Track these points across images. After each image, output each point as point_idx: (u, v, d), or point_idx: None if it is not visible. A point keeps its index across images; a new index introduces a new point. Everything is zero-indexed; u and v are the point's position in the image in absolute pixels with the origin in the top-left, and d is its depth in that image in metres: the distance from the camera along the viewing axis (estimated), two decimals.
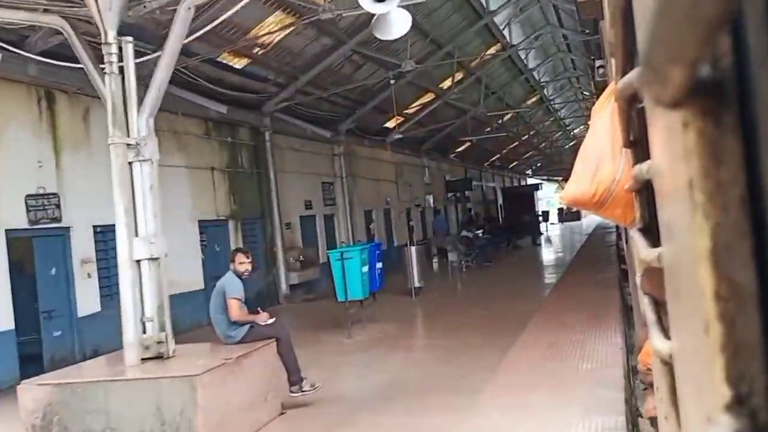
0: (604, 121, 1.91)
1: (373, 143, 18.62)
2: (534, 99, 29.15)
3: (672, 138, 0.58)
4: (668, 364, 1.00)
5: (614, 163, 1.96)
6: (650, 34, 0.48)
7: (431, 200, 25.37)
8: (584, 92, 35.74)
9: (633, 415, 4.07)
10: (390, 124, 18.56)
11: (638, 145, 1.33)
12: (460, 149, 29.51)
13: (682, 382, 0.72)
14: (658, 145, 0.80)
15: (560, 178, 49.35)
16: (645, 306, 1.15)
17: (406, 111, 18.56)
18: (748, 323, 0.45)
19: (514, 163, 43.32)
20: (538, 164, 50.35)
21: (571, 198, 2.01)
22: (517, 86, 25.24)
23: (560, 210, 46.16)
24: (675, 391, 1.00)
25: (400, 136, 18.28)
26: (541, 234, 30.58)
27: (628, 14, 0.86)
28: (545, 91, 29.14)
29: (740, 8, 0.43)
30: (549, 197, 55.30)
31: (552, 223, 42.25)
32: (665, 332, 0.94)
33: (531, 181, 55.01)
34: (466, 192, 28.72)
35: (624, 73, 0.99)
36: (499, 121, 27.50)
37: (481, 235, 21.69)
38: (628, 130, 1.15)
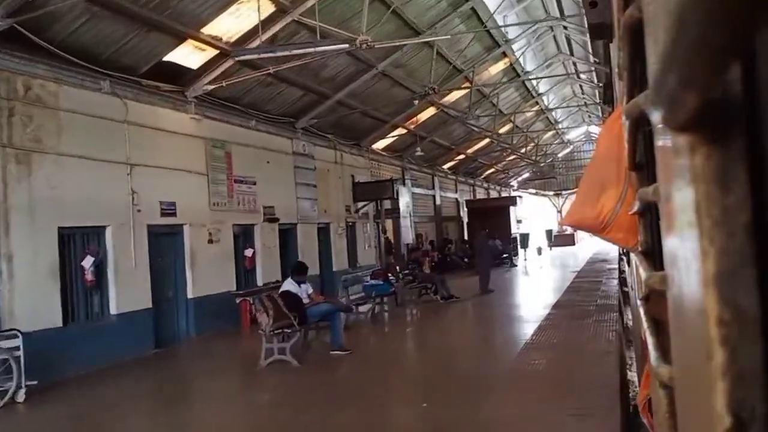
0: (610, 143, 1.90)
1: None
2: (533, 109, 27.21)
3: (679, 162, 0.58)
4: (668, 388, 0.99)
5: (619, 186, 1.96)
6: (661, 57, 0.48)
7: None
8: (590, 115, 35.00)
9: None
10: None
11: (644, 168, 1.33)
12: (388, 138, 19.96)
13: (683, 406, 0.72)
14: (664, 169, 0.80)
15: (551, 193, 45.32)
16: (646, 330, 1.14)
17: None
18: (750, 350, 0.45)
19: (489, 171, 34.89)
20: (525, 175, 42.55)
21: (574, 220, 2.01)
22: (514, 92, 23.43)
23: (548, 232, 40.15)
24: (674, 415, 0.99)
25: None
26: (512, 264, 25.59)
27: (638, 37, 0.86)
28: (544, 99, 27.08)
29: (752, 37, 0.43)
30: (535, 214, 45.95)
31: (540, 248, 35.55)
32: (666, 356, 0.94)
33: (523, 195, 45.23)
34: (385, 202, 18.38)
35: (632, 95, 0.99)
36: (492, 133, 23.70)
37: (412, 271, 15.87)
38: (634, 153, 1.15)
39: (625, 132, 1.14)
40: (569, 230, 40.79)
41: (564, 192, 44.97)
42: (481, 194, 33.93)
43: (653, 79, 0.54)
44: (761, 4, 0.35)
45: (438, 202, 26.52)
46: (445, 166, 27.56)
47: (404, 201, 21.14)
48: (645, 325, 1.13)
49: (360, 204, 18.08)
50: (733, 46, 0.37)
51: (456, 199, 29.46)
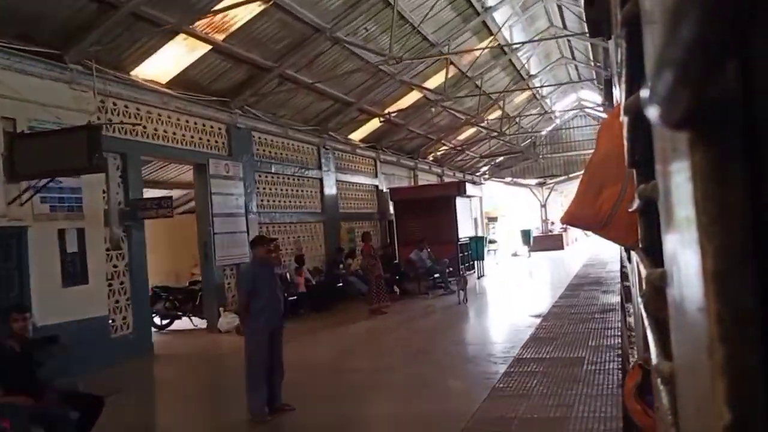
0: (610, 141, 1.91)
1: None
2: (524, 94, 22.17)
3: (677, 159, 0.58)
4: (669, 384, 0.99)
5: (618, 184, 1.96)
6: (658, 55, 0.47)
7: None
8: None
9: None
10: None
11: (643, 166, 1.32)
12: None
13: (684, 401, 0.71)
14: (663, 166, 0.79)
15: (533, 182, 34.83)
16: (647, 326, 1.13)
17: None
18: (750, 347, 0.44)
19: (441, 149, 25.60)
20: (498, 161, 32.75)
21: (573, 218, 2.01)
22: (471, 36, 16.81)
23: (525, 233, 30.54)
24: (676, 412, 0.99)
25: None
26: (460, 283, 14.07)
27: (637, 33, 0.86)
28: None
29: (749, 34, 0.42)
30: (512, 209, 35.83)
31: (514, 254, 29.16)
32: (667, 352, 0.94)
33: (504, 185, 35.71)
34: None
35: (630, 92, 0.99)
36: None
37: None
38: (633, 151, 1.15)
39: (625, 129, 1.14)
40: (557, 230, 33.67)
41: (549, 180, 34.73)
42: (431, 182, 24.35)
43: (650, 77, 0.53)
44: (758, 2, 0.34)
45: (331, 190, 16.97)
46: (354, 135, 18.52)
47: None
48: (645, 321, 1.13)
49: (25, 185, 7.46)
50: (730, 43, 0.37)
51: (375, 187, 20.31)
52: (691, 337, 0.58)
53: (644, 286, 1.28)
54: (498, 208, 39.06)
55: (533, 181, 35.45)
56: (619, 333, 7.78)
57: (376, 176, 20.76)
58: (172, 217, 11.09)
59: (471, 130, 25.36)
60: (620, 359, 6.67)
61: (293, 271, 13.81)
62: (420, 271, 16.11)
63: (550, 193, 35.86)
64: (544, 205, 36.30)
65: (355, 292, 14.62)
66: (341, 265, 15.70)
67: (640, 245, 1.38)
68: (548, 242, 31.84)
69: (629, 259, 3.58)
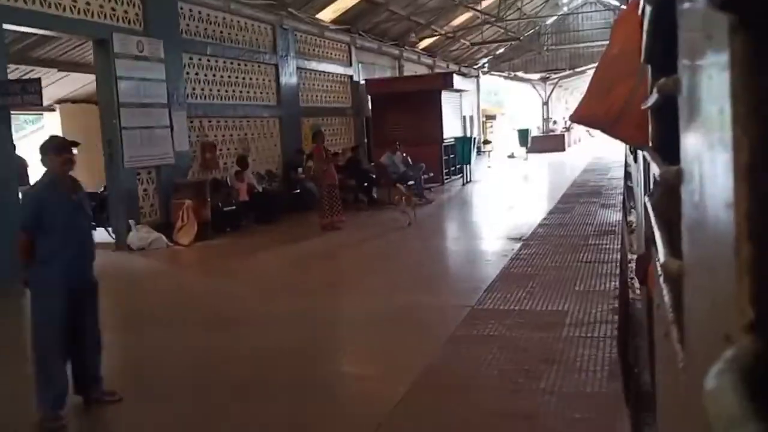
0: (625, 37, 1.85)
1: None
2: None
3: (711, 48, 0.55)
4: (674, 282, 1.01)
5: (630, 81, 1.93)
6: None
7: None
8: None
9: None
10: None
11: (661, 60, 1.28)
12: None
13: (695, 300, 0.73)
14: (690, 58, 0.77)
15: (536, 77, 32.41)
16: (654, 225, 1.14)
17: None
18: None
19: (431, 39, 23.42)
20: (500, 52, 31.05)
21: (583, 116, 2.00)
22: None
23: (522, 133, 28.61)
24: (679, 309, 1.01)
25: None
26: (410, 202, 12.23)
27: None
28: None
29: None
30: (504, 105, 35.15)
31: (510, 156, 27.79)
32: (675, 251, 0.95)
33: (499, 79, 33.46)
34: None
35: None
36: None
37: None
38: (653, 44, 1.11)
39: (645, 21, 1.09)
40: (559, 130, 32.98)
41: (554, 75, 32.38)
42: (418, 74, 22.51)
43: None
44: None
45: (290, 79, 15.09)
46: (323, 15, 16.73)
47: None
48: (653, 220, 1.14)
49: None
50: None
51: (350, 78, 18.48)
52: (712, 235, 0.58)
53: (652, 185, 1.28)
54: (502, 105, 37.87)
55: (536, 76, 32.84)
56: (618, 271, 5.98)
57: (350, 65, 18.61)
58: (41, 105, 9.61)
59: (466, 15, 23.28)
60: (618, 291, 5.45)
61: (233, 175, 12.53)
62: (392, 177, 14.48)
63: (553, 89, 33.79)
64: (546, 103, 33.96)
65: (315, 201, 13.23)
66: (300, 169, 14.39)
67: (651, 143, 1.37)
68: (548, 143, 30.08)
69: (635, 159, 3.58)
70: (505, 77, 33.25)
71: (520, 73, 32.69)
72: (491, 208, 13.79)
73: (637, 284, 2.30)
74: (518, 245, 8.64)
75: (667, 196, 1.04)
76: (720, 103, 0.55)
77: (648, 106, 1.32)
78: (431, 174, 16.28)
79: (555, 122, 35.94)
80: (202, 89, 12.59)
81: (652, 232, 1.40)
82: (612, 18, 27.78)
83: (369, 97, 18.20)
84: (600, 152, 23.73)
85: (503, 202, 14.04)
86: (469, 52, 28.83)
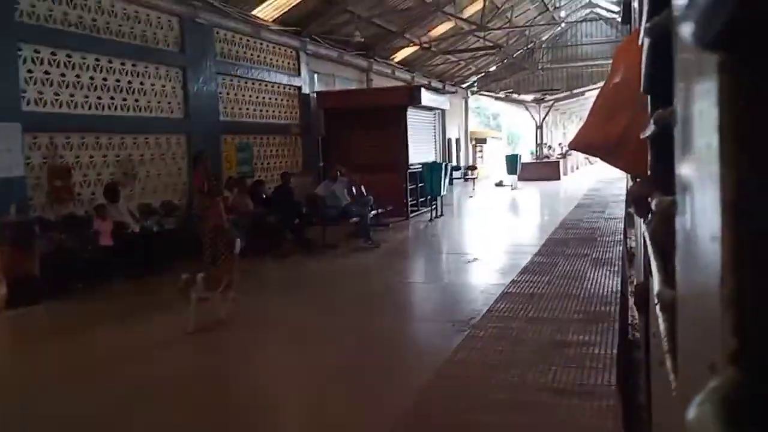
0: (625, 67, 1.89)
1: None
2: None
3: (704, 82, 0.57)
4: (669, 311, 1.02)
5: (630, 110, 1.96)
6: None
7: None
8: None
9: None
10: None
11: (660, 92, 1.31)
12: None
13: (685, 329, 0.74)
14: (684, 90, 0.79)
15: (530, 98, 30.76)
16: (651, 255, 1.16)
17: None
18: (762, 279, 0.45)
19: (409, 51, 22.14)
20: (487, 72, 30.62)
21: (584, 142, 2.02)
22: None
23: (511, 160, 26.26)
24: (673, 338, 1.02)
25: None
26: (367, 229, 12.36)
27: None
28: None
29: None
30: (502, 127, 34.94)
31: (498, 184, 26.16)
32: (670, 280, 0.96)
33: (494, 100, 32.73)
34: None
35: (654, 12, 0.96)
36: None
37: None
38: (652, 75, 1.13)
39: (644, 52, 1.12)
40: (554, 156, 32.06)
41: (549, 96, 30.80)
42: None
43: None
44: None
45: (207, 87, 12.84)
46: (263, 13, 14.79)
47: None
48: (650, 250, 1.15)
49: None
50: None
51: (298, 89, 16.32)
52: (700, 266, 0.60)
53: (650, 215, 1.29)
54: (500, 128, 37.57)
55: (529, 97, 31.20)
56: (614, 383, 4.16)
57: (298, 74, 16.42)
58: None
59: (446, 25, 21.51)
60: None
61: (93, 212, 9.98)
62: (329, 212, 12.17)
63: (548, 112, 32.25)
64: (540, 126, 32.22)
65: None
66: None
67: (649, 173, 1.39)
68: (542, 170, 28.16)
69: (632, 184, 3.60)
70: (496, 98, 32.15)
71: (512, 94, 31.42)
72: (448, 261, 11.30)
73: (635, 313, 2.32)
74: (459, 339, 5.52)
75: (663, 225, 1.06)
76: (708, 138, 0.57)
77: (646, 136, 1.34)
78: (389, 208, 14.34)
79: (550, 147, 34.82)
80: (56, 94, 9.82)
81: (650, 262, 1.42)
82: (614, 34, 27.26)
83: (323, 112, 16.16)
84: (598, 183, 22.75)
85: (467, 250, 12.08)
86: (456, 68, 27.06)
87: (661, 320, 1.25)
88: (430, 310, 7.61)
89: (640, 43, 1.53)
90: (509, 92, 30.92)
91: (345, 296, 8.11)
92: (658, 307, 1.34)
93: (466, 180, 26.46)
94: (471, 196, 22.08)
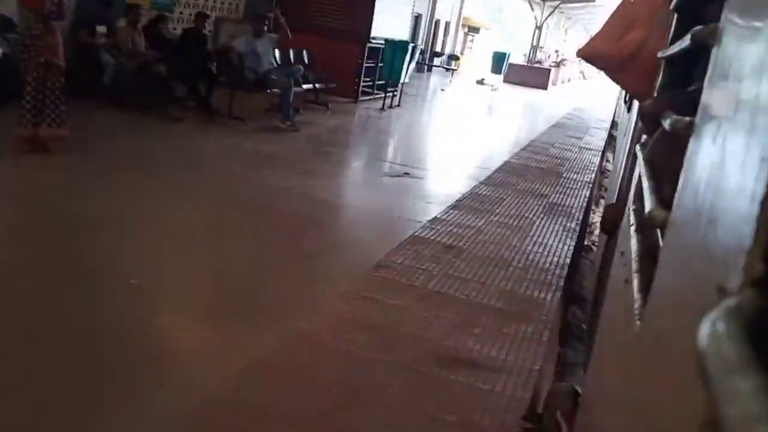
0: None
1: None
2: None
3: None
4: (649, 232, 1.02)
5: (646, 28, 1.88)
6: None
7: None
8: None
9: None
10: None
11: (692, 9, 1.25)
12: None
13: (680, 251, 0.73)
14: (738, 5, 0.74)
15: None
16: (642, 173, 1.15)
17: None
18: None
19: None
20: None
21: (593, 52, 1.96)
22: None
23: (498, 58, 24.07)
24: (646, 259, 1.03)
25: None
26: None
27: None
28: None
29: None
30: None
31: (480, 82, 23.18)
32: (662, 200, 0.95)
33: None
34: None
35: None
36: None
37: None
38: None
39: None
40: (547, 63, 29.52)
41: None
42: None
43: None
44: None
45: None
46: None
47: None
48: (642, 168, 1.14)
49: None
50: None
51: None
52: (723, 190, 0.58)
53: (645, 136, 1.27)
54: (500, 22, 33.85)
55: None
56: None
57: None
58: None
59: None
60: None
61: None
62: (246, 75, 9.48)
63: (552, 12, 28.85)
64: (539, 27, 29.00)
65: (109, 77, 8.68)
66: (103, 28, 9.38)
67: (655, 94, 1.35)
68: (530, 76, 25.18)
69: (629, 109, 3.58)
70: None
71: None
72: (370, 170, 8.57)
73: (597, 231, 2.37)
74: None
75: (667, 147, 1.04)
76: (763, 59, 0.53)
77: (667, 55, 1.29)
78: (333, 85, 11.70)
79: (544, 51, 32.32)
80: None
81: (632, 184, 1.41)
82: None
83: None
84: (585, 102, 20.44)
85: (403, 159, 9.39)
86: None
87: (634, 241, 1.26)
88: (296, 247, 5.12)
89: None
90: None
91: (206, 195, 5.89)
92: (632, 228, 1.35)
93: (447, 71, 23.59)
94: (443, 90, 19.50)
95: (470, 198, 6.14)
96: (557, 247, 4.90)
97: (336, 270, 4.61)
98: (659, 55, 1.50)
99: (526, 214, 5.86)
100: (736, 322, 0.41)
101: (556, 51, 34.84)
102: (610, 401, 1.26)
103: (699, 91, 0.95)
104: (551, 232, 5.32)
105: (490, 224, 5.28)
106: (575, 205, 6.40)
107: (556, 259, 4.58)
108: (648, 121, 1.41)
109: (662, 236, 1.06)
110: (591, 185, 7.11)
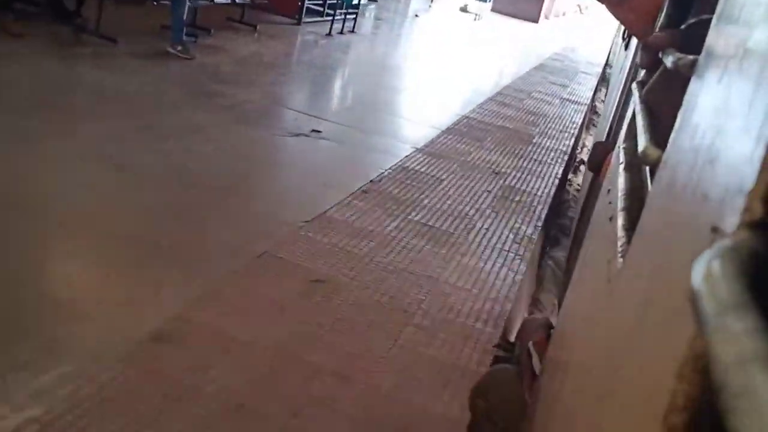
0: None
1: None
2: None
3: None
4: (637, 171, 1.01)
5: None
6: None
7: None
8: None
9: None
10: None
11: None
12: None
13: (673, 192, 0.73)
14: None
15: None
16: (638, 112, 1.13)
17: None
18: None
19: None
20: None
21: None
22: None
23: None
24: (633, 197, 1.03)
25: None
26: None
27: None
28: None
29: None
30: None
31: (463, 9, 20.31)
32: (657, 140, 0.95)
33: None
34: None
35: None
36: None
37: None
38: None
39: None
40: None
41: None
42: None
43: None
44: None
45: None
46: None
47: None
48: (637, 106, 1.13)
49: None
50: None
51: None
52: (724, 131, 0.56)
53: (641, 74, 1.25)
54: None
55: None
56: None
57: None
58: None
59: None
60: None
61: None
62: None
63: None
64: None
65: None
66: None
67: (657, 30, 1.32)
68: (519, 5, 22.22)
69: (626, 46, 3.51)
70: None
71: None
72: (272, 127, 5.69)
73: (582, 168, 2.36)
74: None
75: (666, 86, 1.01)
76: None
77: None
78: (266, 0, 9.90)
79: None
80: None
81: (623, 122, 1.39)
82: None
83: None
84: (578, 41, 18.59)
85: (328, 111, 6.69)
86: None
87: (623, 178, 1.26)
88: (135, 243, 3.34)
89: None
90: None
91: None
92: (622, 166, 1.35)
93: None
94: (417, 15, 16.77)
95: (392, 177, 4.62)
96: (497, 285, 3.36)
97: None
98: None
99: (466, 209, 4.36)
100: (732, 262, 0.41)
101: None
102: (585, 336, 1.29)
103: (700, 27, 0.92)
104: (495, 249, 3.81)
105: (403, 230, 3.83)
106: (540, 193, 4.79)
107: (494, 307, 3.14)
108: (649, 55, 1.38)
109: (652, 176, 1.06)
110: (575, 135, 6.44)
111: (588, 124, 8.34)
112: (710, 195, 0.60)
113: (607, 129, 2.63)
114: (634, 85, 1.36)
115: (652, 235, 0.82)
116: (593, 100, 8.42)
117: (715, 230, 0.53)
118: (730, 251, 0.44)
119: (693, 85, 0.85)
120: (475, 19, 19.16)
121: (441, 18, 17.78)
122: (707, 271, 0.43)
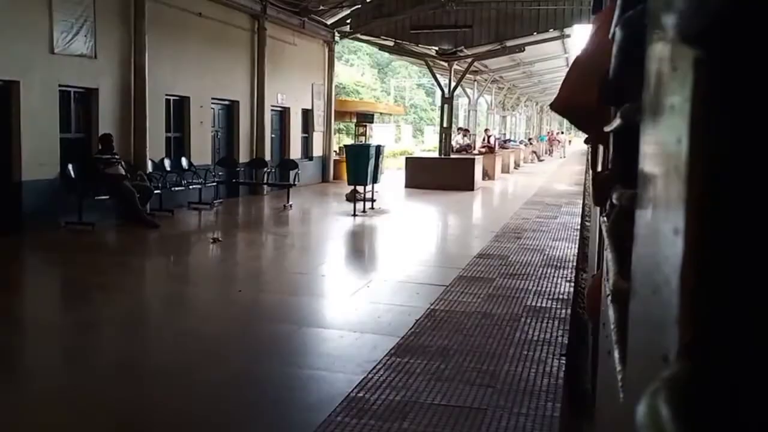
0: (604, 31, 1.88)
1: None
2: None
3: (677, 78, 0.58)
4: (620, 303, 1.04)
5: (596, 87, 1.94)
6: None
7: None
8: None
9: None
10: None
11: (626, 85, 1.33)
12: None
13: (638, 321, 0.76)
14: (655, 84, 0.79)
15: (434, 50, 19.12)
16: (607, 246, 1.18)
17: None
18: (722, 273, 0.46)
19: None
20: None
21: (567, 103, 1.96)
22: None
23: (358, 155, 13.07)
24: (622, 330, 1.05)
25: None
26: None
27: None
28: None
29: None
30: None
31: (355, 198, 12.44)
32: (624, 272, 0.98)
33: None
34: None
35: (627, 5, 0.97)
36: None
37: None
38: (620, 69, 1.15)
39: (615, 45, 1.12)
40: (476, 148, 21.78)
41: (469, 50, 18.92)
42: None
43: None
44: None
45: None
46: None
47: None
48: (606, 241, 1.18)
49: None
50: None
51: None
52: (660, 259, 0.61)
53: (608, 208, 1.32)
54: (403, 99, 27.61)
55: (432, 49, 19.42)
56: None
57: None
58: None
59: None
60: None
61: None
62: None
63: (462, 76, 20.63)
64: (449, 98, 20.46)
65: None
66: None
67: (611, 167, 1.41)
68: (444, 174, 17.27)
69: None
70: (380, 46, 20.43)
71: (403, 42, 19.16)
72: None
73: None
74: None
75: (623, 218, 1.07)
76: (678, 133, 0.57)
77: (611, 130, 1.36)
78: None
79: (467, 132, 22.72)
80: None
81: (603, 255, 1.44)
82: None
83: None
84: (539, 203, 14.04)
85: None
86: None
87: (611, 311, 1.28)
88: None
89: (611, 32, 1.53)
90: (401, 42, 18.60)
91: None
92: (609, 299, 1.37)
93: (282, 188, 14.50)
94: (286, 206, 12.83)
95: None
96: None
97: None
98: (605, 129, 1.56)
99: None
100: (669, 391, 0.42)
101: (486, 130, 25.92)
102: None
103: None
104: None
105: None
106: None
107: None
108: (598, 192, 1.44)
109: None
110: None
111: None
112: (661, 325, 0.62)
113: (595, 261, 2.71)
114: (602, 219, 1.42)
115: (633, 368, 0.82)
116: (581, 233, 8.39)
117: (665, 359, 0.54)
118: (669, 381, 0.45)
119: (637, 218, 0.90)
120: (354, 216, 12.28)
121: (302, 219, 12.21)
122: (649, 403, 0.44)
